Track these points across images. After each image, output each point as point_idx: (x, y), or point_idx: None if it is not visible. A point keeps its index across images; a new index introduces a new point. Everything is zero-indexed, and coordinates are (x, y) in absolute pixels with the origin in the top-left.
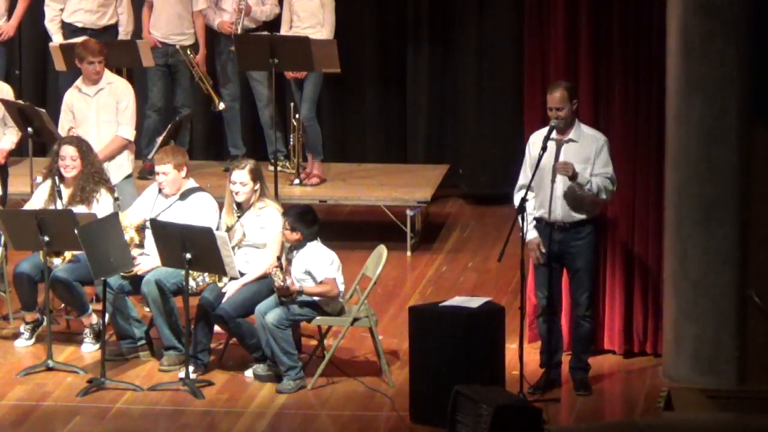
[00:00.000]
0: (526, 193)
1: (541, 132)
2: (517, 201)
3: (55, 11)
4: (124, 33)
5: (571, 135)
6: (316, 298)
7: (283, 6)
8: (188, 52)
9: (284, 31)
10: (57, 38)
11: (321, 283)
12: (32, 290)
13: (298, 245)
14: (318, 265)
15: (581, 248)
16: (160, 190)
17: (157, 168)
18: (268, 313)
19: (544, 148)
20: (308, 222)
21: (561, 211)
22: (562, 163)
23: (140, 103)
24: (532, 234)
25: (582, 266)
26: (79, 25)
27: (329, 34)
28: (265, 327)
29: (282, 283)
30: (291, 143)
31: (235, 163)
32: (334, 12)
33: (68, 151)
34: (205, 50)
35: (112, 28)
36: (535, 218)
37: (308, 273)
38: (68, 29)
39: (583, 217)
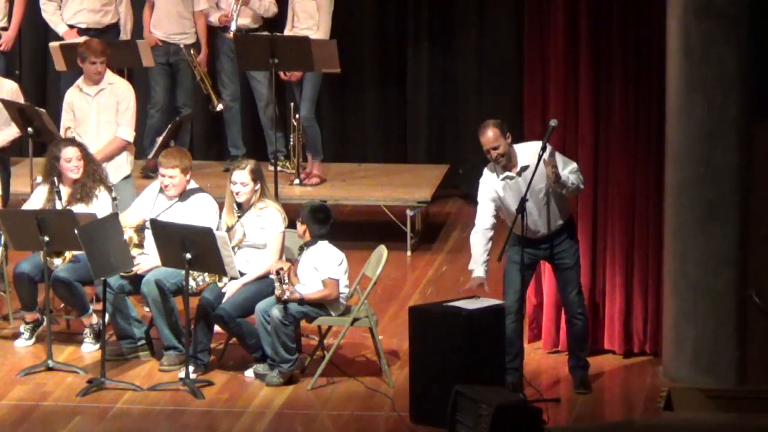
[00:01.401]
0: (526, 193)
1: (489, 174)
2: (474, 241)
3: (53, 7)
4: (125, 32)
5: (521, 164)
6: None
7: (288, 6)
8: (191, 51)
9: (287, 31)
10: (62, 28)
11: (323, 284)
12: (32, 290)
13: (308, 243)
14: (325, 263)
15: (567, 246)
16: (161, 191)
17: (164, 171)
18: (274, 307)
19: (543, 148)
20: (317, 219)
21: (543, 227)
22: (551, 167)
23: (141, 104)
24: (479, 271)
25: (570, 264)
26: (83, 26)
27: (324, 36)
28: (270, 321)
29: (279, 294)
30: (291, 143)
31: (236, 163)
32: (330, 14)
33: (72, 153)
34: (206, 50)
35: (114, 27)
36: (517, 237)
37: (315, 269)
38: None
39: (561, 222)
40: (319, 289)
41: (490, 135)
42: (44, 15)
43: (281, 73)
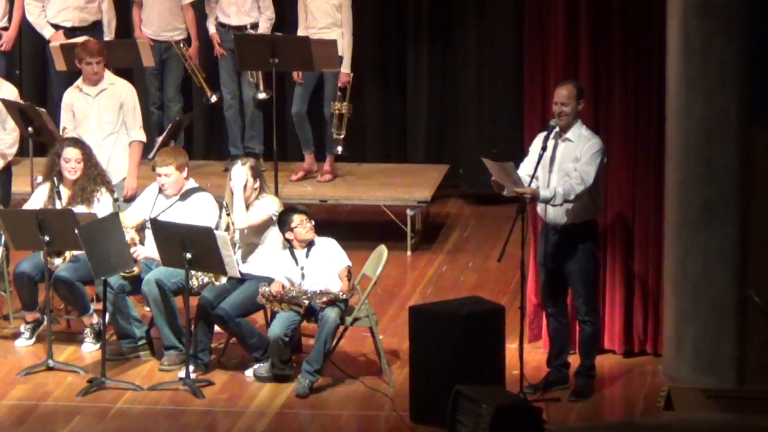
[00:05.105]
0: (525, 196)
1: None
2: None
3: (38, 8)
4: (109, 30)
5: (569, 134)
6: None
7: (298, 6)
8: (181, 45)
9: (300, 31)
10: (48, 32)
11: (344, 272)
12: (33, 290)
13: (308, 245)
14: (337, 253)
15: (573, 253)
16: (160, 190)
17: (159, 170)
18: (330, 311)
19: (544, 148)
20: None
21: (552, 212)
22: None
23: (143, 104)
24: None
25: (575, 271)
26: (68, 24)
27: (349, 35)
28: (325, 324)
29: (327, 300)
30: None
31: (235, 160)
32: (350, 10)
33: (72, 154)
34: (197, 42)
35: (98, 25)
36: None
37: (330, 260)
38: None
39: (569, 222)
40: (340, 280)
41: (564, 92)
42: (29, 17)
43: (294, 74)
